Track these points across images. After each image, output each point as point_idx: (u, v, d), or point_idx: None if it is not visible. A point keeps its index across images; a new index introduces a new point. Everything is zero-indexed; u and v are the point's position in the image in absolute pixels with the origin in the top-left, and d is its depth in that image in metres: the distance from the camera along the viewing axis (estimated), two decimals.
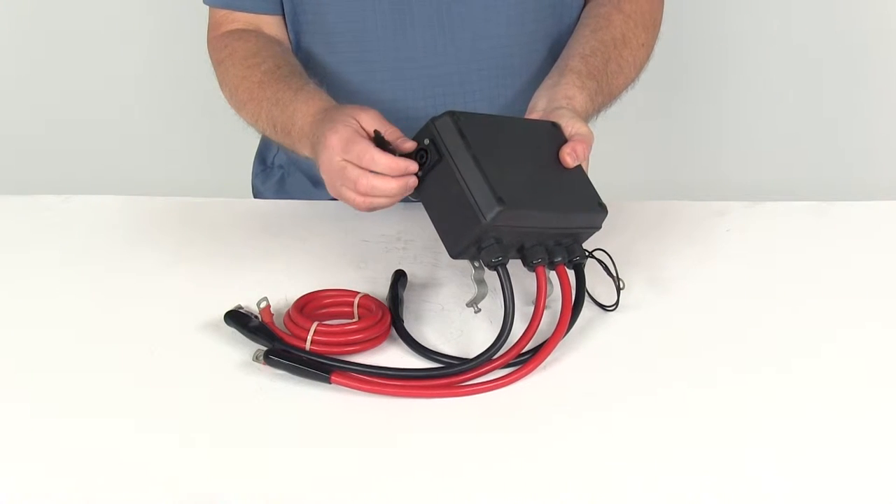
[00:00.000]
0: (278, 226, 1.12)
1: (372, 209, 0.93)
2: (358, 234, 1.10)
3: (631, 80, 1.15)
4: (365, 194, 0.91)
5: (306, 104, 1.03)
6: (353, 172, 0.90)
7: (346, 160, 0.91)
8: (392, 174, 0.89)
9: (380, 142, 0.91)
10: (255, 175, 1.36)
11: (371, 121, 0.93)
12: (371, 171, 0.90)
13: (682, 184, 2.11)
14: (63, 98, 2.17)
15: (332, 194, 0.96)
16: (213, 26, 1.21)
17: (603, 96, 1.09)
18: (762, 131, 2.19)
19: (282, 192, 1.31)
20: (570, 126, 0.96)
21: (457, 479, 0.75)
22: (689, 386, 0.85)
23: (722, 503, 0.73)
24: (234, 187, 1.44)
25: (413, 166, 0.89)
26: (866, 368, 0.88)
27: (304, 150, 1.03)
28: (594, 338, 0.92)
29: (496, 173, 0.87)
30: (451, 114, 0.89)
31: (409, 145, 0.91)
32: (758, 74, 2.14)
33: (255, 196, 1.36)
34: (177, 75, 2.14)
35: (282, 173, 1.32)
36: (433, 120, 0.90)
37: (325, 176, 0.95)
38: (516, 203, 0.87)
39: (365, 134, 0.92)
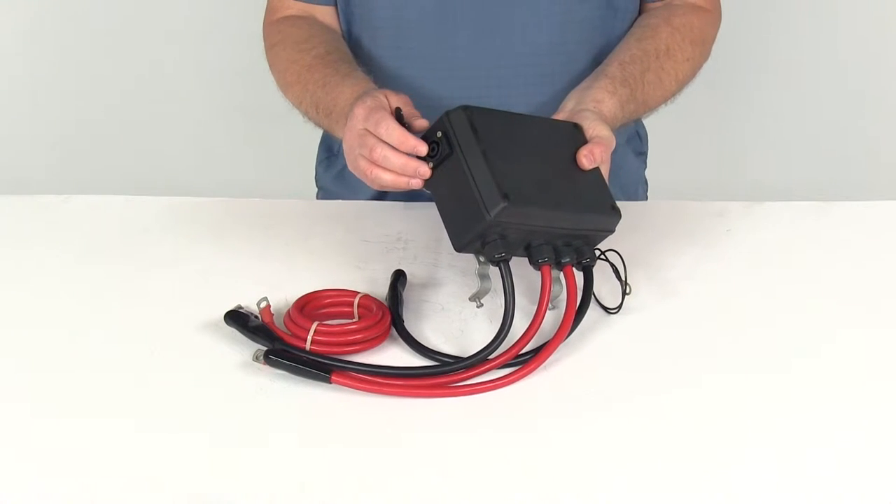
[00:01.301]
0: (279, 225, 1.12)
1: (378, 183, 0.94)
2: (358, 234, 1.10)
3: (671, 93, 1.15)
4: (375, 163, 0.93)
5: (352, 88, 1.06)
6: (370, 140, 0.93)
7: (366, 128, 0.94)
8: (401, 148, 0.91)
9: (399, 120, 0.94)
10: (318, 162, 1.39)
11: (399, 102, 0.97)
12: (386, 143, 0.92)
13: (682, 184, 2.10)
14: (63, 98, 2.17)
15: (349, 166, 0.98)
16: (269, 11, 1.27)
17: (636, 104, 1.08)
18: (762, 131, 2.19)
19: (340, 179, 1.33)
20: (591, 128, 0.96)
21: (457, 479, 0.75)
22: (689, 386, 0.85)
23: (722, 503, 0.73)
24: (235, 186, 1.44)
25: (422, 147, 0.90)
26: (867, 368, 0.88)
27: (339, 131, 1.05)
28: (595, 338, 0.92)
29: (504, 169, 0.87)
30: (465, 108, 0.89)
31: (421, 123, 0.94)
32: (758, 75, 2.14)
33: (317, 182, 1.39)
34: (178, 75, 2.14)
35: (344, 162, 1.33)
36: (447, 113, 0.90)
37: (345, 145, 0.98)
38: (522, 200, 0.86)
39: (389, 109, 0.95)
